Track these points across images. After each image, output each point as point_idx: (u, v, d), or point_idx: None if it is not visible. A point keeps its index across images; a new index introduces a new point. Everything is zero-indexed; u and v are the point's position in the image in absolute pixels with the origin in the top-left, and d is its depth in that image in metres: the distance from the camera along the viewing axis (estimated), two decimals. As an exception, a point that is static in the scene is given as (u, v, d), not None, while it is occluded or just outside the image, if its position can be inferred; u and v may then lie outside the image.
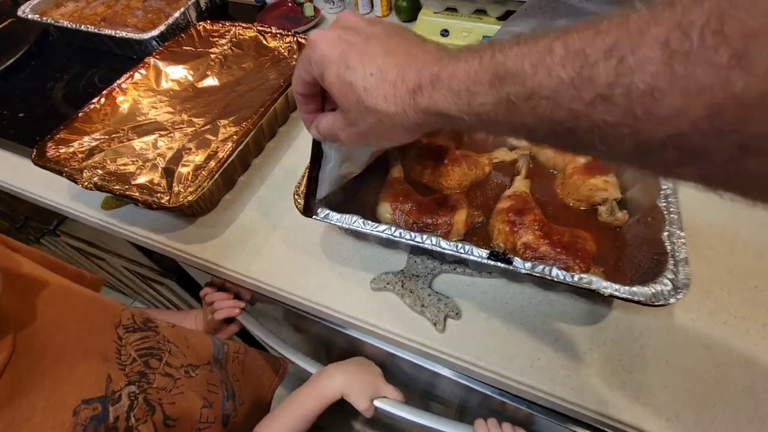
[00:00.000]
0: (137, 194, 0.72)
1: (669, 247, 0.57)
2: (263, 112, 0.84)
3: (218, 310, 0.86)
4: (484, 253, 0.58)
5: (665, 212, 0.61)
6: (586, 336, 0.62)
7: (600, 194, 0.71)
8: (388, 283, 0.69)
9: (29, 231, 1.43)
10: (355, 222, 0.63)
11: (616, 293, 0.53)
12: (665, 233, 0.59)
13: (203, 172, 0.74)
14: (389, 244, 0.73)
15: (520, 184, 0.76)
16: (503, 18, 1.02)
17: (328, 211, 0.65)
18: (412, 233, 0.61)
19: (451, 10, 1.07)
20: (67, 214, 0.89)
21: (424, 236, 0.60)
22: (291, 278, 0.72)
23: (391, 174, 0.80)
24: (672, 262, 0.56)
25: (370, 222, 0.63)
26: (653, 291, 0.53)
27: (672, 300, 0.52)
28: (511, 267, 0.56)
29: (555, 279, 0.55)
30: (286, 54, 1.02)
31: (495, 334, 0.64)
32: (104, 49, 1.24)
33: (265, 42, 1.05)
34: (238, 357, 0.83)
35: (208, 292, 0.89)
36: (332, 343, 0.97)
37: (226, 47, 1.04)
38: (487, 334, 0.64)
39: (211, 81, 0.98)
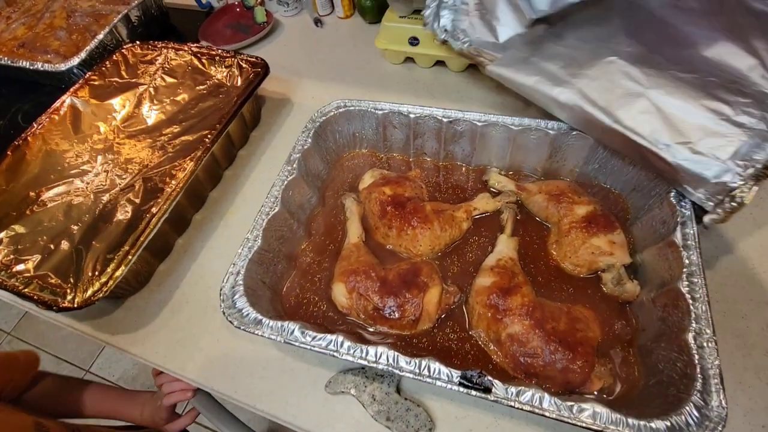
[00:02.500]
0: (33, 292, 0.59)
1: (696, 356, 0.44)
2: (200, 158, 0.70)
3: (167, 394, 0.74)
4: (455, 374, 0.45)
5: (690, 300, 0.47)
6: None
7: (604, 259, 0.57)
8: (347, 386, 0.56)
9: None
10: (292, 333, 0.50)
11: (629, 435, 0.40)
12: (691, 333, 0.45)
13: (122, 250, 0.61)
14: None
15: (505, 247, 0.62)
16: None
17: (261, 320, 0.51)
18: (360, 349, 0.48)
19: (419, 12, 0.89)
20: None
21: (378, 351, 0.47)
22: (233, 380, 0.60)
23: (348, 239, 0.66)
24: (701, 379, 0.43)
25: (309, 332, 0.49)
26: (677, 427, 0.40)
27: (703, 444, 0.39)
28: (489, 397, 0.43)
29: (547, 415, 0.42)
30: (226, 81, 0.86)
31: None
32: (29, 78, 1.08)
33: (201, 66, 0.89)
34: None
35: (157, 372, 0.77)
36: None
37: (156, 77, 0.88)
38: None
39: (139, 122, 0.83)
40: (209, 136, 0.73)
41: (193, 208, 0.76)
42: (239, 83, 0.85)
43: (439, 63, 0.92)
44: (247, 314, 0.51)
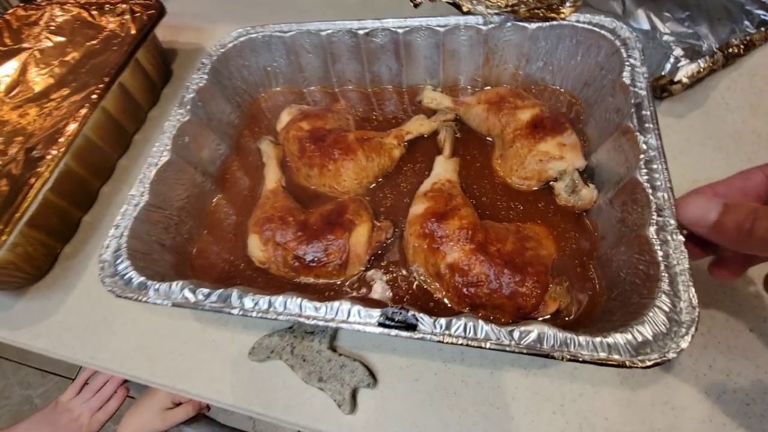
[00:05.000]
0: None
1: (659, 252, 0.36)
2: (85, 117, 0.59)
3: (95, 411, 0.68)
4: (374, 314, 0.37)
5: (649, 189, 0.39)
6: (555, 403, 0.43)
7: (554, 165, 0.49)
8: (272, 351, 0.49)
9: None
10: (181, 293, 0.41)
11: (579, 356, 0.33)
12: (652, 227, 0.37)
13: None
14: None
15: (442, 169, 0.53)
16: None
17: (146, 284, 0.42)
18: (258, 301, 0.39)
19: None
20: None
21: (279, 300, 0.39)
22: (150, 362, 0.52)
23: (264, 186, 0.57)
24: (666, 278, 0.35)
25: (202, 289, 0.41)
26: (639, 338, 0.33)
27: (671, 354, 0.31)
28: (415, 335, 0.36)
29: (484, 346, 0.34)
30: (119, 31, 0.74)
31: (429, 404, 0.44)
32: None
33: (91, 19, 0.77)
34: None
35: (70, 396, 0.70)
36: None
37: (42, 38, 0.76)
38: (418, 405, 0.45)
39: (26, 90, 0.71)
40: (96, 91, 0.62)
41: (97, 179, 0.67)
42: (133, 31, 0.73)
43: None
44: (131, 280, 0.43)
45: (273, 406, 0.47)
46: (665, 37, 0.58)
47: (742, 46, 0.58)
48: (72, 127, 0.59)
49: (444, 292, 0.46)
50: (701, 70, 0.56)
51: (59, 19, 0.78)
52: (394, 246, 0.51)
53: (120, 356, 0.53)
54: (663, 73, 0.55)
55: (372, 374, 0.46)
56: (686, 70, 0.55)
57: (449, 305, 0.46)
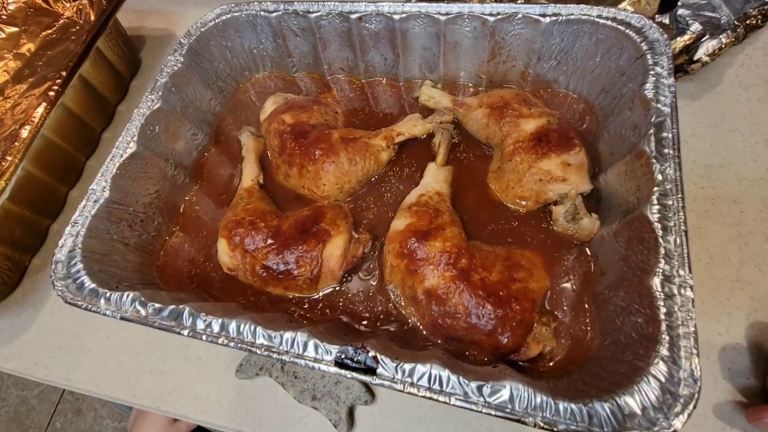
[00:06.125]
0: None
1: (662, 308, 0.31)
2: (42, 118, 0.54)
3: None
4: (332, 351, 0.33)
5: (659, 230, 0.33)
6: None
7: (555, 187, 0.43)
8: (261, 368, 0.46)
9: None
10: (132, 306, 0.38)
11: (554, 425, 0.28)
12: (657, 277, 0.32)
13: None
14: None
15: (433, 179, 0.48)
16: None
17: (98, 291, 0.39)
18: (208, 321, 0.36)
19: None
20: None
21: (233, 325, 0.36)
22: (129, 382, 0.50)
23: (241, 183, 0.53)
24: (667, 341, 0.30)
25: (154, 304, 0.38)
26: (626, 410, 0.28)
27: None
28: (374, 379, 0.32)
29: (449, 402, 0.30)
30: (77, 18, 0.68)
31: (431, 420, 0.42)
32: None
33: (45, 5, 0.71)
34: None
35: None
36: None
37: None
38: (419, 421, 0.42)
39: None
40: (54, 87, 0.57)
41: (63, 183, 0.62)
42: (93, 17, 0.67)
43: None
44: (83, 285, 0.40)
45: (264, 426, 0.45)
46: (680, 11, 0.50)
47: (760, 17, 0.50)
48: (27, 129, 0.53)
49: (419, 318, 0.42)
50: (723, 46, 0.49)
51: (11, 7, 0.72)
52: (373, 260, 0.47)
53: (96, 377, 0.51)
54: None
55: (369, 390, 0.43)
56: (706, 47, 0.49)
57: (424, 333, 0.42)
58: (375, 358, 0.32)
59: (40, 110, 0.54)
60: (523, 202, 0.45)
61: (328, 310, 0.45)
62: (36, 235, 0.59)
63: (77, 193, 0.63)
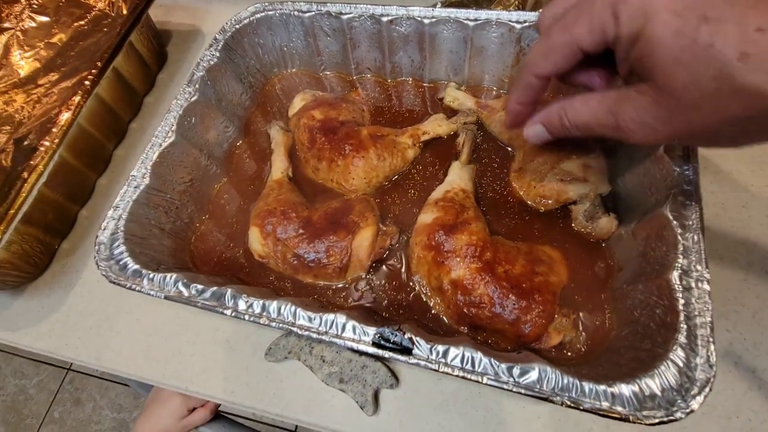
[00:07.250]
0: None
1: (680, 299, 0.33)
2: (78, 105, 0.56)
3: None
4: (369, 332, 0.35)
5: (678, 229, 0.36)
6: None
7: (576, 187, 0.46)
8: (290, 352, 0.47)
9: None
10: (174, 286, 0.40)
11: (580, 404, 0.31)
12: (675, 271, 0.34)
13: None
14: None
15: (457, 176, 0.50)
16: None
17: (141, 272, 0.41)
18: (253, 303, 0.38)
19: None
20: None
21: (275, 305, 0.38)
22: (158, 362, 0.51)
23: (270, 175, 0.55)
24: (685, 329, 0.32)
25: (197, 285, 0.40)
26: (647, 392, 0.31)
27: (678, 414, 0.29)
28: (410, 359, 0.34)
29: (481, 381, 0.32)
30: (109, 10, 0.70)
31: (453, 405, 0.43)
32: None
33: None
34: None
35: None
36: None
37: (24, 17, 0.72)
38: (441, 406, 0.44)
39: (10, 75, 0.67)
40: (89, 77, 0.58)
41: (92, 170, 0.63)
42: (125, 11, 0.69)
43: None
44: (127, 266, 0.42)
45: (292, 407, 0.46)
46: None
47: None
48: (65, 116, 0.55)
49: (443, 308, 0.44)
50: None
51: (42, -3, 0.74)
52: (398, 252, 0.49)
53: (126, 357, 0.52)
54: None
55: (394, 374, 0.45)
56: None
57: (447, 322, 0.44)
58: (411, 339, 0.34)
59: (77, 98, 0.56)
60: (544, 201, 0.48)
61: (351, 298, 0.47)
62: (66, 220, 0.60)
63: (105, 181, 0.65)
